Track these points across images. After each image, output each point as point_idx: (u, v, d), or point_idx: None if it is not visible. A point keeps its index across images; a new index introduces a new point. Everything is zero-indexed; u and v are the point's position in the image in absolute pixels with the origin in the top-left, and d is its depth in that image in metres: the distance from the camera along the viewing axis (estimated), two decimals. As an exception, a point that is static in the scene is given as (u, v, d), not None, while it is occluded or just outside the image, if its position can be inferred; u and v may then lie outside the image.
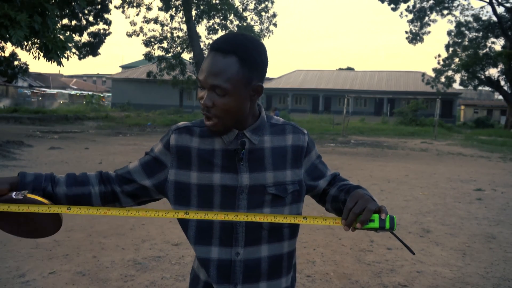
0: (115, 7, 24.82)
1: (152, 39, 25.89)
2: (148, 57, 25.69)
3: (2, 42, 13.38)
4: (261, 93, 1.20)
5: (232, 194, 1.21)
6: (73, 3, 15.03)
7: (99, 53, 24.52)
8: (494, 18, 30.22)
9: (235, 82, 1.12)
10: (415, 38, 32.10)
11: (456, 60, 32.34)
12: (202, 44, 24.49)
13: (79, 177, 1.26)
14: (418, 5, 31.36)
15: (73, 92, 52.94)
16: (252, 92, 1.18)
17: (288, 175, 1.25)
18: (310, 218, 1.15)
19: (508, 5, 29.98)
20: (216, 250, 1.22)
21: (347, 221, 1.09)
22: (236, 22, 24.98)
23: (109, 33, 24.46)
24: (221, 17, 24.38)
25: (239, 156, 1.21)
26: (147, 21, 25.93)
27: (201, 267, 1.25)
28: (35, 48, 10.79)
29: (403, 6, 31.35)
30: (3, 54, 16.82)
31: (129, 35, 25.99)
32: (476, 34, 31.78)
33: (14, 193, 1.13)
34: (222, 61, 1.12)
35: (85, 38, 23.76)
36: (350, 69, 57.16)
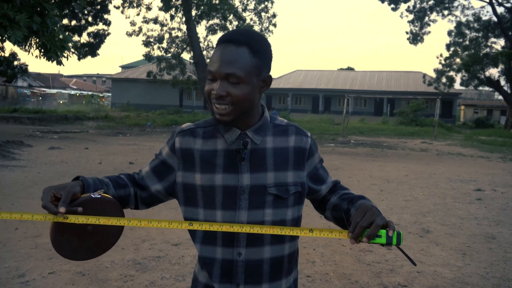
0: (114, 7, 24.82)
1: (152, 39, 25.88)
2: (148, 57, 25.68)
3: (0, 42, 13.37)
4: (269, 85, 1.24)
5: (233, 195, 1.21)
6: (72, 3, 15.02)
7: (98, 54, 24.49)
8: (495, 18, 30.22)
9: (249, 70, 1.15)
10: (415, 38, 32.12)
11: (457, 60, 32.34)
12: (201, 45, 24.49)
13: (119, 179, 1.30)
14: (418, 5, 31.38)
15: (72, 92, 52.92)
16: (261, 83, 1.21)
17: (289, 176, 1.24)
18: (317, 231, 1.14)
19: (508, 5, 29.98)
20: (220, 250, 1.22)
21: (353, 234, 1.08)
22: (235, 23, 24.98)
23: (109, 34, 24.45)
24: (220, 18, 24.37)
25: (241, 156, 1.21)
26: (147, 21, 25.93)
27: (204, 266, 1.25)
28: (34, 48, 10.79)
29: (403, 6, 31.44)
30: (3, 54, 16.81)
31: (129, 35, 25.98)
32: (477, 34, 31.78)
33: (91, 193, 1.15)
34: (235, 51, 1.15)
35: (84, 38, 23.76)
36: (350, 69, 57.17)
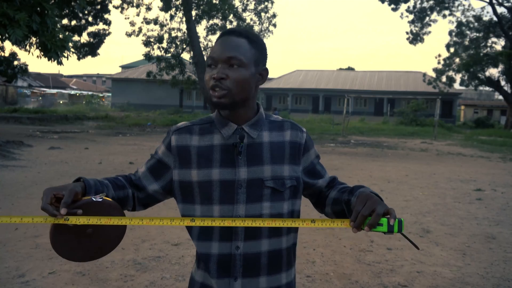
0: (114, 7, 24.83)
1: (152, 39, 25.87)
2: (148, 57, 25.67)
3: (1, 41, 13.37)
4: (265, 78, 1.29)
5: (231, 189, 1.22)
6: (72, 3, 15.03)
7: (99, 54, 24.51)
8: (495, 18, 30.21)
9: (249, 57, 1.22)
10: (415, 38, 32.07)
11: (457, 60, 32.33)
12: (201, 45, 24.47)
13: (117, 180, 1.30)
14: (418, 6, 31.35)
15: (72, 92, 52.91)
16: (258, 76, 1.26)
17: (286, 170, 1.26)
18: (319, 221, 1.15)
19: (508, 5, 29.98)
20: (217, 245, 1.23)
21: (355, 223, 1.10)
22: (235, 23, 24.97)
23: (109, 34, 24.46)
24: (220, 18, 24.36)
25: (237, 150, 1.23)
26: (147, 21, 25.91)
27: (202, 262, 1.26)
28: (34, 47, 10.80)
29: (403, 7, 31.43)
30: (3, 54, 16.83)
31: (129, 35, 25.98)
32: (477, 34, 31.77)
33: (93, 196, 1.14)
34: (236, 40, 1.23)
35: (84, 38, 23.77)
36: (350, 69, 57.15)
